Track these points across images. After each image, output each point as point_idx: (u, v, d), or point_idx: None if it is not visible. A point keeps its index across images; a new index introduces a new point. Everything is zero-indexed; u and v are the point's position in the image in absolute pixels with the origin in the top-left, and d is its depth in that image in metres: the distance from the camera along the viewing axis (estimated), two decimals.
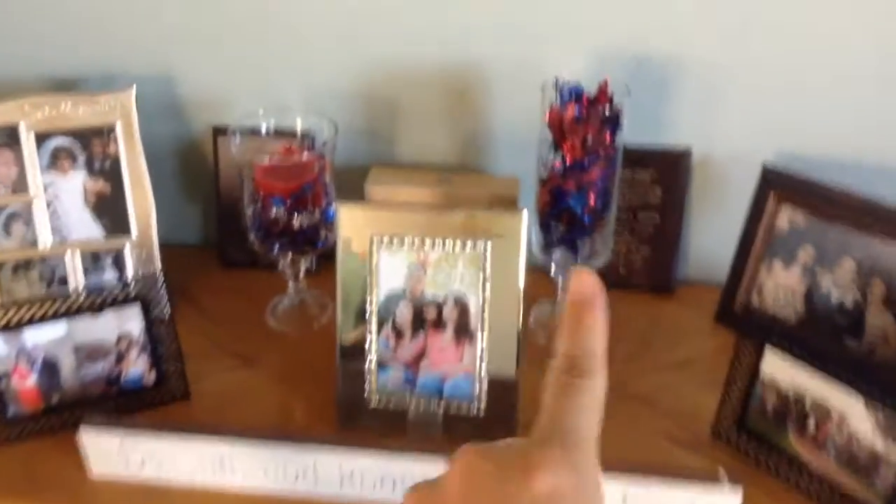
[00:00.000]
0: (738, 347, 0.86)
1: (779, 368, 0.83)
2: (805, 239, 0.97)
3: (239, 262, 1.12)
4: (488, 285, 0.84)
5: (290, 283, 1.03)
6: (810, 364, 0.81)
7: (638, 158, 1.03)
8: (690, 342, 1.02)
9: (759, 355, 0.84)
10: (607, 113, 0.88)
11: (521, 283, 0.84)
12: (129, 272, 1.02)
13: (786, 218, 0.98)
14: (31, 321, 0.85)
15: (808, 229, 0.97)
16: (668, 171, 1.05)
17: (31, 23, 1.07)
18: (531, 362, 0.96)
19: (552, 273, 0.99)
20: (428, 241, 0.84)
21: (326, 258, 0.99)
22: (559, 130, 0.89)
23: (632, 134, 0.96)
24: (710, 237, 1.10)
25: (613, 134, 0.90)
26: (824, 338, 0.97)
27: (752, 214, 1.00)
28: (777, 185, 0.98)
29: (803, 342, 0.94)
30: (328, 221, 0.97)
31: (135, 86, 0.99)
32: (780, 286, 1.00)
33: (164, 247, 1.05)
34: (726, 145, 1.04)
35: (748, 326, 0.90)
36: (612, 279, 1.07)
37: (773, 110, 1.00)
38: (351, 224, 0.85)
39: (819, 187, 0.96)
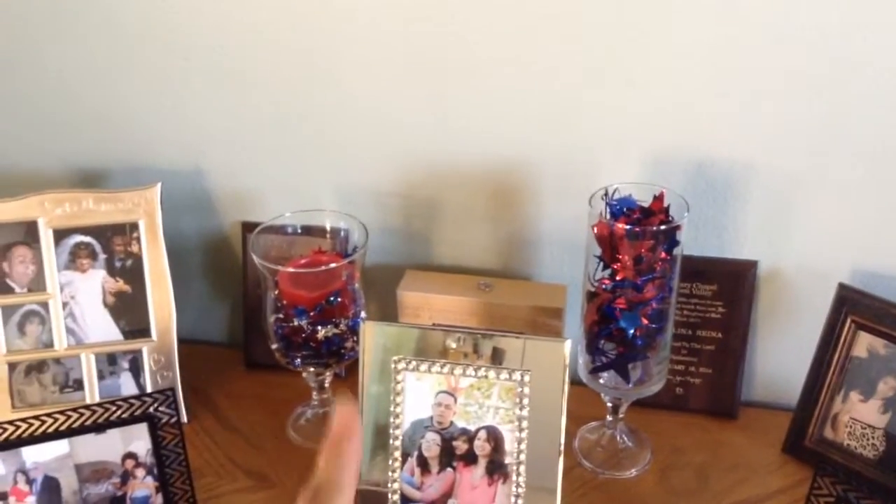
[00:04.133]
0: (809, 498, 0.76)
1: None
2: (887, 370, 0.87)
3: (264, 363, 1.05)
4: (525, 420, 0.75)
5: (314, 394, 0.96)
6: None
7: (699, 271, 0.94)
8: (755, 478, 0.91)
9: None
10: (663, 228, 0.80)
11: (564, 416, 0.75)
12: (147, 376, 0.96)
13: (864, 345, 0.88)
14: (31, 439, 0.79)
15: (890, 359, 0.86)
16: (732, 284, 0.95)
17: (58, 115, 1.04)
18: (573, 491, 0.87)
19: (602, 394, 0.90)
20: (459, 368, 0.76)
21: (356, 362, 0.92)
22: (609, 246, 0.81)
23: (692, 244, 0.87)
24: (778, 358, 0.99)
25: (670, 251, 0.81)
26: None
27: (825, 339, 0.90)
28: (854, 308, 0.88)
29: (884, 488, 0.84)
30: (355, 331, 0.90)
31: (160, 183, 0.95)
32: (858, 420, 0.89)
33: (188, 344, 1.00)
34: (797, 259, 0.94)
35: (822, 464, 0.79)
36: (668, 401, 0.97)
37: (850, 222, 0.90)
38: (375, 343, 0.78)
39: None
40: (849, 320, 0.88)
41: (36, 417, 0.79)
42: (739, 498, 0.88)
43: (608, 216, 0.82)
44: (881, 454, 0.88)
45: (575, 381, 0.77)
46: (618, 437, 0.94)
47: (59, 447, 0.80)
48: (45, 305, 0.94)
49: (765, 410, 1.00)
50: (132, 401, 0.81)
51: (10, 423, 0.79)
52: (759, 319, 0.98)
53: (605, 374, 0.87)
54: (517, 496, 0.77)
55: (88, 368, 0.96)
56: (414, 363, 0.77)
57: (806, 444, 0.92)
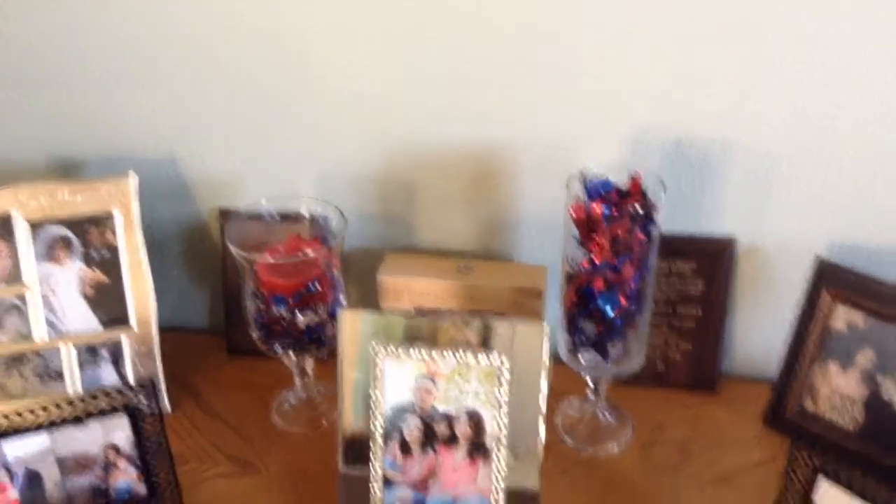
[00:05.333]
0: (788, 470, 0.76)
1: (834, 497, 0.73)
2: (865, 342, 0.87)
3: (245, 349, 1.04)
4: (505, 403, 0.76)
5: (297, 379, 0.96)
6: (870, 501, 0.71)
7: (677, 248, 0.94)
8: (735, 451, 0.92)
9: (811, 482, 0.75)
10: (640, 209, 0.80)
11: (544, 398, 0.76)
12: (128, 365, 0.96)
13: (842, 318, 0.88)
14: (11, 433, 0.79)
15: (868, 331, 0.87)
16: (711, 261, 0.95)
17: (33, 104, 1.03)
18: (555, 467, 0.88)
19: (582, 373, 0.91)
20: (438, 353, 0.76)
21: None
22: (586, 228, 0.81)
23: (671, 221, 0.87)
24: (758, 332, 1.00)
25: (647, 231, 0.81)
26: (887, 451, 0.86)
27: (804, 312, 0.90)
28: (832, 281, 0.88)
29: (863, 459, 0.85)
30: (335, 318, 0.90)
31: (134, 174, 0.94)
32: (837, 392, 0.90)
33: (169, 331, 1.00)
34: (774, 234, 0.94)
35: (801, 437, 0.80)
36: (650, 376, 0.98)
37: (826, 198, 0.91)
38: (354, 331, 0.78)
39: (880, 285, 0.86)
40: (826, 293, 0.89)
41: (17, 413, 0.79)
42: (721, 471, 0.90)
43: (585, 198, 0.82)
44: (860, 426, 0.89)
45: (556, 360, 0.77)
46: (599, 414, 0.95)
47: (40, 441, 0.80)
48: (22, 298, 0.94)
49: (745, 383, 1.01)
50: (113, 394, 0.81)
51: None
52: (738, 295, 0.99)
53: (585, 353, 0.88)
54: (498, 476, 0.78)
55: (69, 359, 0.95)
56: (393, 349, 0.77)
57: (786, 416, 0.93)
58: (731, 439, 0.94)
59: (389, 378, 0.78)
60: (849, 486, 0.73)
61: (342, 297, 0.91)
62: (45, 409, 0.79)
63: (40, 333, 0.94)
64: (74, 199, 0.93)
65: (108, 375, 0.96)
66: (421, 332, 0.77)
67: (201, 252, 1.09)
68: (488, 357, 0.76)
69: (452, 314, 0.85)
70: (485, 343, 0.76)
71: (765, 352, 0.98)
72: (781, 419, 0.94)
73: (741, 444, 0.93)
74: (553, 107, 0.92)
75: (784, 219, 0.93)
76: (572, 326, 0.87)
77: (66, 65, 1.00)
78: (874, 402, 0.87)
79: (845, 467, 0.74)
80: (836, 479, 0.74)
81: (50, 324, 0.95)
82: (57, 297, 0.94)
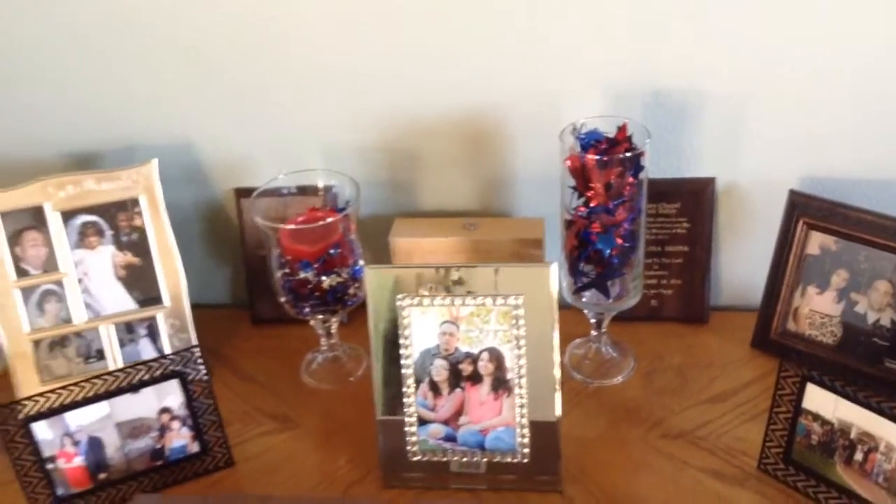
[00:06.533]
0: (778, 381, 0.85)
1: (821, 401, 0.82)
2: (837, 263, 0.96)
3: (269, 318, 1.12)
4: (523, 338, 0.84)
5: (323, 340, 1.04)
6: (853, 399, 0.80)
7: (662, 192, 1.03)
8: (728, 373, 1.01)
9: (800, 390, 0.83)
10: (629, 155, 0.88)
11: (556, 332, 0.84)
12: (164, 340, 1.03)
13: (816, 244, 0.97)
14: (72, 405, 0.86)
15: (840, 253, 0.96)
16: (694, 201, 1.04)
17: (50, 104, 1.09)
18: (568, 401, 0.96)
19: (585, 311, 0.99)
20: (458, 299, 0.84)
21: (358, 308, 1.00)
22: (581, 176, 0.89)
23: (654, 168, 0.95)
24: (741, 264, 1.09)
25: (636, 174, 0.89)
26: (864, 361, 0.96)
27: (781, 241, 0.99)
28: (805, 210, 0.97)
29: (844, 369, 0.94)
30: (356, 278, 0.98)
31: (156, 159, 1.00)
32: (816, 311, 0.99)
33: (195, 308, 1.06)
34: (750, 173, 1.03)
35: (786, 356, 0.89)
36: (645, 312, 1.07)
37: (795, 135, 1.00)
38: (379, 286, 0.85)
39: (848, 210, 0.95)
40: (801, 222, 0.98)
41: (76, 384, 0.86)
42: (717, 391, 0.99)
43: (578, 149, 0.90)
44: (839, 339, 0.98)
45: (559, 304, 0.85)
46: (603, 350, 1.04)
47: (100, 409, 0.87)
48: (59, 284, 1.00)
49: (732, 313, 1.10)
50: (162, 360, 0.88)
51: (53, 391, 0.85)
52: (721, 230, 1.08)
53: (587, 293, 0.96)
54: (521, 406, 0.86)
55: (109, 338, 1.02)
56: (417, 299, 0.85)
57: (771, 337, 1.02)
58: (723, 362, 1.03)
59: (416, 325, 0.85)
60: (833, 389, 0.82)
61: (361, 260, 0.99)
62: (102, 378, 0.86)
63: (80, 316, 1.01)
64: (100, 188, 1.00)
65: (146, 351, 1.03)
66: (440, 281, 0.85)
67: (220, 232, 1.16)
68: (504, 298, 0.84)
69: (466, 263, 0.93)
70: (498, 286, 0.84)
71: (749, 282, 1.07)
72: (767, 341, 1.03)
73: (733, 366, 1.02)
74: (538, 69, 1.00)
75: (757, 157, 1.02)
76: (574, 269, 0.95)
77: (80, 66, 1.06)
78: (850, 318, 0.97)
79: (828, 373, 0.83)
80: (822, 384, 0.82)
81: (88, 306, 1.01)
82: (92, 280, 1.01)
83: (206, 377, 0.90)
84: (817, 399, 0.83)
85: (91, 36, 1.03)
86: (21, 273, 0.99)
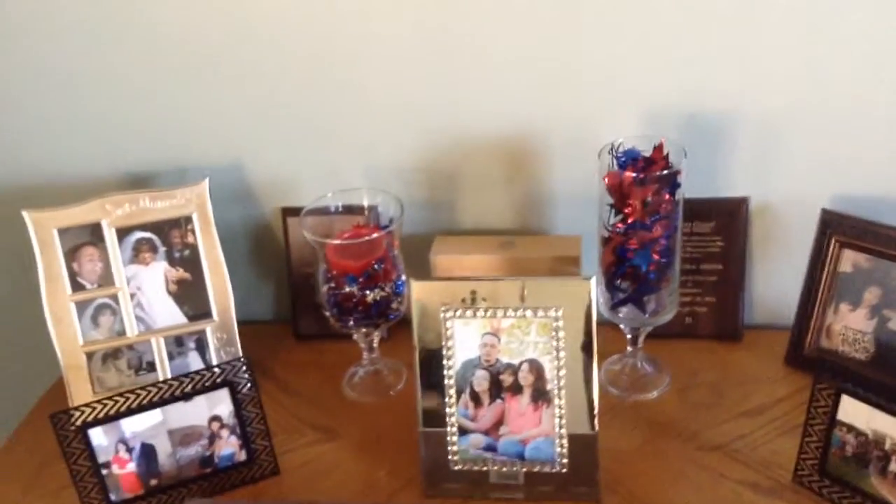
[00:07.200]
0: (813, 393, 0.87)
1: (856, 413, 0.84)
2: (870, 281, 0.98)
3: (312, 334, 1.16)
4: (563, 350, 0.86)
5: (365, 354, 1.07)
6: (887, 410, 0.82)
7: (697, 210, 1.05)
8: (762, 388, 1.03)
9: (835, 402, 0.85)
10: (665, 173, 0.91)
11: (594, 344, 0.86)
12: (212, 353, 1.07)
13: (848, 261, 0.99)
14: (127, 412, 0.90)
15: (872, 271, 0.98)
16: (728, 220, 1.06)
17: (110, 125, 1.14)
18: (604, 414, 0.98)
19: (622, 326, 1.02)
20: (500, 311, 0.87)
21: (397, 325, 1.04)
22: (619, 194, 0.92)
23: (689, 187, 0.98)
24: (774, 282, 1.11)
25: (673, 193, 0.92)
26: None
27: (814, 259, 1.01)
28: (837, 228, 0.99)
29: (877, 384, 0.96)
30: (399, 294, 1.01)
31: (208, 178, 1.05)
32: (849, 328, 1.00)
33: (240, 324, 1.09)
34: (783, 192, 1.06)
35: (820, 369, 0.91)
36: (679, 330, 1.09)
37: (828, 155, 1.02)
38: (423, 299, 0.88)
39: (879, 228, 0.97)
40: (833, 240, 1.00)
41: (132, 391, 0.90)
42: (751, 406, 1.00)
43: (616, 167, 0.93)
44: (872, 355, 0.99)
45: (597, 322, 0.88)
46: (639, 365, 1.06)
47: (154, 416, 0.91)
48: (114, 298, 1.04)
49: (766, 331, 1.11)
50: (214, 370, 0.92)
51: (110, 398, 0.89)
52: (754, 249, 1.10)
53: (623, 309, 0.99)
54: (560, 417, 0.88)
55: (159, 351, 1.06)
56: (459, 311, 0.88)
57: (805, 354, 1.04)
58: (756, 379, 1.04)
59: (458, 336, 0.88)
60: (868, 400, 0.83)
61: (403, 275, 1.02)
62: (157, 386, 0.90)
63: (132, 329, 1.05)
64: (155, 206, 1.04)
65: (195, 364, 1.07)
66: (481, 294, 0.88)
67: (266, 249, 1.20)
68: (544, 311, 0.86)
69: (506, 277, 0.96)
70: (538, 300, 0.87)
71: (782, 300, 1.09)
72: (801, 357, 1.04)
73: (767, 382, 1.04)
74: (576, 91, 1.03)
75: (790, 177, 1.04)
76: (611, 285, 0.98)
77: (135, 92, 1.11)
78: (882, 334, 0.98)
79: (863, 387, 0.85)
80: (857, 395, 0.84)
81: (140, 320, 1.05)
82: (145, 294, 1.05)
83: (253, 388, 0.93)
84: (852, 411, 0.84)
85: (151, 66, 1.09)
86: (77, 287, 1.04)
